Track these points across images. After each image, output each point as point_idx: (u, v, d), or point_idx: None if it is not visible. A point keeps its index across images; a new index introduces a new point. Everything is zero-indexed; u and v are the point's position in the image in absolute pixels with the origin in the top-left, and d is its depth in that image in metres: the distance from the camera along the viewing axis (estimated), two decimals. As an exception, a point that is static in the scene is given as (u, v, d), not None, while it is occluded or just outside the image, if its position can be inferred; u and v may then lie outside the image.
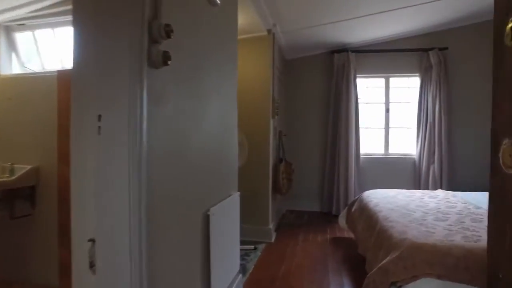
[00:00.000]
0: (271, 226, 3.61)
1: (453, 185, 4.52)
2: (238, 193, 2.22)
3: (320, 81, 4.99)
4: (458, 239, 1.93)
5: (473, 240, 1.91)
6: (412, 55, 4.70)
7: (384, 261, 1.91)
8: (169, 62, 1.20)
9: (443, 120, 4.49)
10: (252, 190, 3.51)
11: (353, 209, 3.47)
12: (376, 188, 4.64)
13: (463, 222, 2.30)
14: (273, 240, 3.60)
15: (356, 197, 3.60)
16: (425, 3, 3.61)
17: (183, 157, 1.39)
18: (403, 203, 2.87)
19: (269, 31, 3.55)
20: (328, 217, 4.65)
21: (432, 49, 4.50)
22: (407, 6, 3.64)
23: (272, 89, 3.57)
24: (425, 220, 2.33)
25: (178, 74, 1.34)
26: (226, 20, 2.00)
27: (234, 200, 2.05)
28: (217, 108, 1.83)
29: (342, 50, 4.73)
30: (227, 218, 1.93)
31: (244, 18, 3.12)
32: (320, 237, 3.77)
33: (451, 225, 2.22)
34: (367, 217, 2.79)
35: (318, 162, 4.99)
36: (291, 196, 4.62)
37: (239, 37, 3.45)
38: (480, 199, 3.13)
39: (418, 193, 3.39)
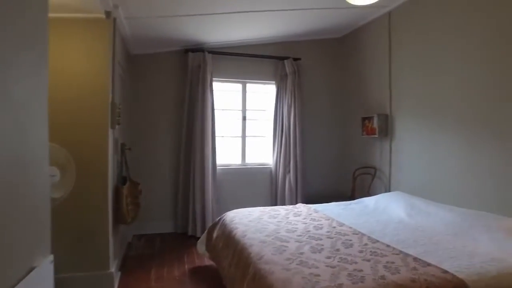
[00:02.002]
0: (113, 268, 2.76)
1: (308, 195, 4.64)
2: (51, 257, 1.39)
3: (173, 83, 4.35)
4: (345, 281, 1.66)
5: (358, 279, 1.68)
6: (269, 62, 4.60)
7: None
8: None
9: (297, 129, 4.55)
10: (83, 228, 2.59)
11: (214, 235, 2.99)
12: (234, 201, 4.36)
13: (338, 249, 2.12)
14: (116, 287, 2.77)
15: (218, 219, 3.14)
16: (275, 10, 3.48)
17: None
18: (272, 229, 2.56)
19: (108, 13, 2.69)
20: (184, 239, 4.06)
21: (287, 58, 4.50)
22: (261, 11, 3.43)
23: (112, 91, 2.74)
24: (302, 253, 2.03)
25: None
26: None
27: (40, 276, 1.23)
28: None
29: (198, 49, 4.23)
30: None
31: (67, -11, 2.21)
32: (178, 270, 3.15)
33: (329, 257, 1.98)
34: (235, 251, 2.34)
35: (171, 176, 4.33)
36: (139, 218, 3.81)
37: (61, 14, 2.51)
38: (338, 212, 3.14)
39: (282, 210, 3.19)
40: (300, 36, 4.55)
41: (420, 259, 1.96)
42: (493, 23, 2.69)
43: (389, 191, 3.85)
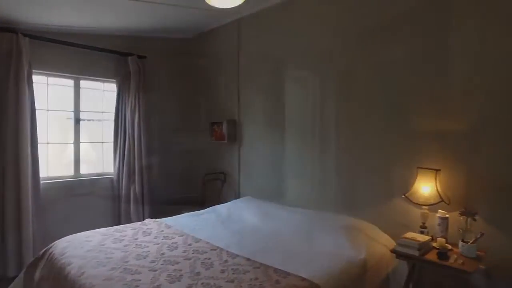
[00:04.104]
0: None
1: (156, 206, 4.24)
2: None
3: (-32, 71, 3.21)
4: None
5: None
6: (109, 57, 3.98)
7: None
8: None
9: (142, 133, 4.09)
10: None
11: (37, 275, 2.31)
12: (66, 225, 3.60)
13: (199, 273, 1.89)
14: None
15: (42, 253, 2.43)
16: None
17: None
18: (119, 257, 2.12)
19: None
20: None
21: (131, 54, 3.99)
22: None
23: None
24: (159, 287, 1.73)
25: None
26: None
27: None
28: None
29: (7, 29, 3.24)
30: None
31: None
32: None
33: (191, 285, 1.74)
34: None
35: (-32, 197, 3.20)
36: None
37: None
38: (192, 226, 2.93)
39: (128, 230, 2.74)
40: (147, 32, 4.11)
41: (280, 270, 1.97)
42: (324, 41, 3.03)
43: (239, 196, 3.90)
